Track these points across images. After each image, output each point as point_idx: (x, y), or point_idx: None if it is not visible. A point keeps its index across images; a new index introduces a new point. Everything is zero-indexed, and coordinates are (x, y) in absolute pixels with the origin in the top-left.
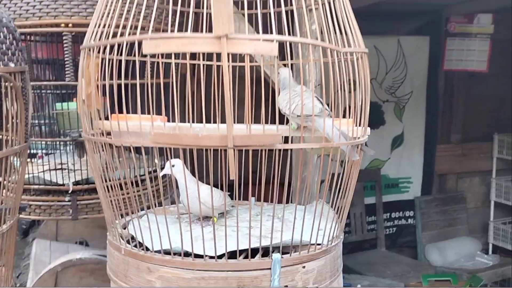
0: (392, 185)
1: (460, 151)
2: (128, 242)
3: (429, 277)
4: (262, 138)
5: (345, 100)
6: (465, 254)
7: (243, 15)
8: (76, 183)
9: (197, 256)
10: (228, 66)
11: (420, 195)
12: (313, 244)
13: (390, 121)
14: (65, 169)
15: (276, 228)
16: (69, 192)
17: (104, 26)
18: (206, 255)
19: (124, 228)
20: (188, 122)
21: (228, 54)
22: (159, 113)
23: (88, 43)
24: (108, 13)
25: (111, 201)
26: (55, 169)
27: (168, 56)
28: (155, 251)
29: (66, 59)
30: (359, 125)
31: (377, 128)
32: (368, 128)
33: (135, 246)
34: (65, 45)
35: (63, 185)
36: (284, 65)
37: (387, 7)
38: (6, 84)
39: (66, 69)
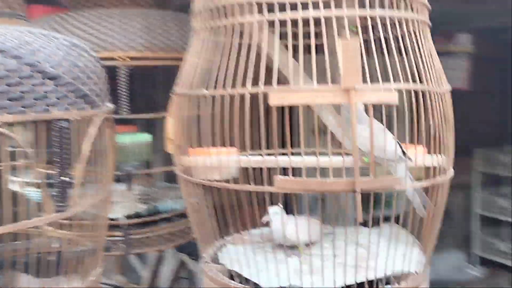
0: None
1: None
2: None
3: None
4: (384, 181)
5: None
6: (454, 267)
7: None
8: (128, 216)
9: None
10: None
11: None
12: (413, 273)
13: None
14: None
15: (365, 255)
16: (121, 226)
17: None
18: None
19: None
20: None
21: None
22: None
23: (196, 91)
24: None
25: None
26: None
27: None
28: None
29: (121, 92)
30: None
31: None
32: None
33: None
34: (121, 78)
35: (113, 219)
36: None
37: None
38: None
39: (122, 102)
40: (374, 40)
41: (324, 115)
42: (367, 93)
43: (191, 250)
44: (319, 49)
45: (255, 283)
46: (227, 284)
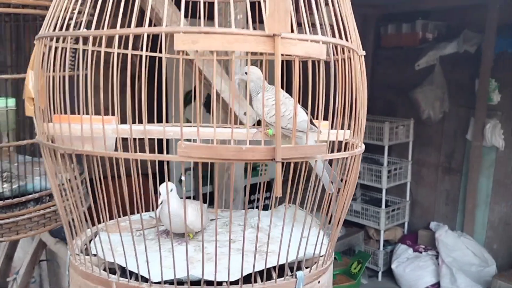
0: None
1: None
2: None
3: None
4: (308, 149)
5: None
6: None
7: None
8: None
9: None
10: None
11: None
12: (322, 256)
13: None
14: None
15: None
16: None
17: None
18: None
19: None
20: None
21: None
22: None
23: (56, 31)
24: None
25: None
26: None
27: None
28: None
29: None
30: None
31: None
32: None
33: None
34: None
35: None
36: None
37: None
38: None
39: None
40: None
41: (211, 77)
42: (293, 42)
43: None
44: None
45: (142, 277)
46: (107, 280)
